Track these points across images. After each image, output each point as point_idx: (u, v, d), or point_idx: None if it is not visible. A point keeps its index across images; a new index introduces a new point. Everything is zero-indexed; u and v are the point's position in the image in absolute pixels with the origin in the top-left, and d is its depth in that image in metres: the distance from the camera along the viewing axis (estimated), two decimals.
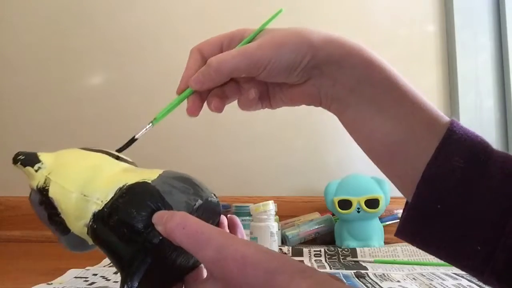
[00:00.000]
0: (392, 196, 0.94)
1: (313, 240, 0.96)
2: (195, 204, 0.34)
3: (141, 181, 0.34)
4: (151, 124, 0.39)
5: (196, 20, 1.13)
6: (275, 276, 0.27)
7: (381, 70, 0.36)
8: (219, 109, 0.39)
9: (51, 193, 0.36)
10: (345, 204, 0.91)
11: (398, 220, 1.05)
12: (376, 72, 0.35)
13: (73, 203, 0.35)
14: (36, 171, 0.37)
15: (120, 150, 0.39)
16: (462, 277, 0.65)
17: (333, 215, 0.98)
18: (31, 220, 1.08)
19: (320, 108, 0.39)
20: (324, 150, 1.12)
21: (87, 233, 0.35)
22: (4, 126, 1.14)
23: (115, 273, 0.69)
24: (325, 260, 0.82)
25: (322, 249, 0.88)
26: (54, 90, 1.14)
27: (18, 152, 0.38)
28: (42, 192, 0.36)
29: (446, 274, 0.67)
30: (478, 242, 0.32)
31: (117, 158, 0.39)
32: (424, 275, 0.67)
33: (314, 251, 0.87)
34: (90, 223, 0.34)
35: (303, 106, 0.40)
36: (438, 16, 1.14)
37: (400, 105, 0.35)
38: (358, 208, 0.91)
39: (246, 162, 1.10)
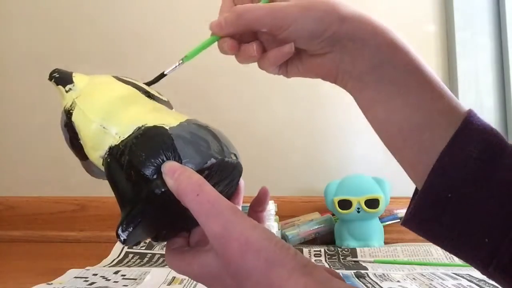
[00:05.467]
0: (392, 196, 0.94)
1: (313, 240, 0.96)
2: (206, 163, 0.32)
3: (159, 125, 0.33)
4: (181, 61, 0.38)
5: (197, 19, 1.13)
6: (274, 268, 0.27)
7: (405, 53, 0.35)
8: (233, 49, 0.38)
9: (74, 118, 0.35)
10: (345, 204, 0.91)
11: (399, 220, 1.04)
12: (400, 54, 0.35)
13: (91, 132, 0.34)
14: (67, 92, 0.36)
15: (147, 85, 0.38)
16: (462, 277, 0.65)
17: (333, 215, 0.98)
18: (31, 220, 1.09)
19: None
20: (324, 150, 1.12)
21: (102, 165, 0.34)
22: (4, 127, 1.14)
23: (115, 273, 0.69)
24: (325, 260, 0.82)
25: (322, 249, 0.88)
26: (54, 91, 1.14)
27: (55, 69, 0.38)
28: (67, 115, 0.36)
29: (446, 274, 0.67)
30: (486, 234, 0.31)
31: (149, 95, 0.37)
32: (424, 275, 0.67)
33: (314, 251, 0.87)
34: (105, 155, 0.34)
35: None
36: (438, 16, 1.14)
37: (420, 90, 0.35)
38: (358, 208, 0.91)
39: (245, 162, 1.09)
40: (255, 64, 0.40)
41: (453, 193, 0.32)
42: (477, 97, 1.10)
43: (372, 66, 0.35)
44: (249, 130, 1.12)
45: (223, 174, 0.35)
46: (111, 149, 0.33)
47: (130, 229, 0.31)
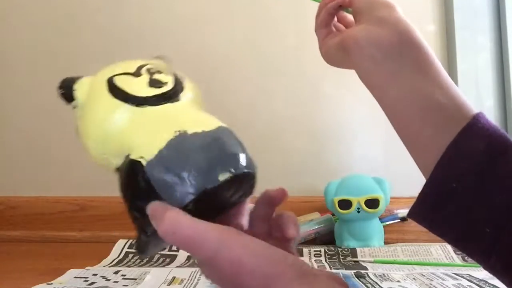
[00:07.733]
0: (392, 196, 0.94)
1: (313, 240, 0.96)
2: (183, 202, 0.30)
3: (136, 159, 0.31)
4: None
5: (197, 19, 1.13)
6: (272, 282, 0.26)
7: (421, 51, 0.38)
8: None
9: (80, 138, 0.37)
10: (345, 204, 0.91)
11: (399, 220, 1.04)
12: (415, 51, 0.38)
13: (95, 157, 0.36)
14: (74, 108, 0.37)
15: None
16: (462, 277, 0.65)
17: (333, 215, 0.98)
18: (31, 220, 1.09)
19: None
20: (324, 150, 1.12)
21: None
22: (4, 127, 1.14)
23: (115, 273, 0.69)
24: (325, 260, 0.82)
25: (322, 249, 0.88)
26: (54, 90, 1.14)
27: (60, 83, 0.38)
28: (76, 133, 0.37)
29: (446, 274, 0.67)
30: (488, 224, 0.32)
31: (141, 102, 0.34)
32: (424, 275, 0.67)
33: (314, 251, 0.87)
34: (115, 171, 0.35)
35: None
36: (438, 16, 1.14)
37: (431, 86, 0.37)
38: (358, 208, 0.91)
39: None
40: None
41: (458, 184, 0.33)
42: (477, 97, 1.10)
43: (384, 55, 0.38)
44: (249, 129, 1.12)
45: (215, 201, 0.32)
46: (118, 169, 0.35)
47: (143, 252, 0.33)
